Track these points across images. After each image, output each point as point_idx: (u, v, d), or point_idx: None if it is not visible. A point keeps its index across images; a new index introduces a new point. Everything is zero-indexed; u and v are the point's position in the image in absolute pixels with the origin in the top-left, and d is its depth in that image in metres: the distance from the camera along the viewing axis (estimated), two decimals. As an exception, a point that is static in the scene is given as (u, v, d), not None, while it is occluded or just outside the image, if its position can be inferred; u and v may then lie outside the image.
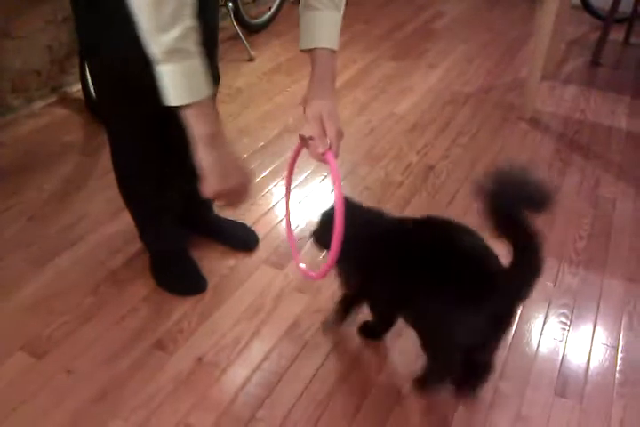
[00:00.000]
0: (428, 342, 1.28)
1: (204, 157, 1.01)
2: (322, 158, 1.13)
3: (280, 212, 1.93)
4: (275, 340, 1.49)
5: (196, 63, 0.96)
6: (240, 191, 1.09)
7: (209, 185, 1.04)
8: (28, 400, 1.31)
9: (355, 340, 1.49)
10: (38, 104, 2.41)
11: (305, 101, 1.16)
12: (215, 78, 1.50)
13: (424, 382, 1.36)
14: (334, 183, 1.06)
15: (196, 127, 0.99)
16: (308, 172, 2.13)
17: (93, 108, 2.33)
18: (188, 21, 0.92)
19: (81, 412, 1.29)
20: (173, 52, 0.92)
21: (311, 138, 1.14)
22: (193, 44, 0.94)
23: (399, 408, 1.34)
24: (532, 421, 1.34)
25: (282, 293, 1.63)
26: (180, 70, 0.95)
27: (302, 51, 1.17)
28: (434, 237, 1.21)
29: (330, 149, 1.12)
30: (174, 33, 0.91)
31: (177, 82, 0.95)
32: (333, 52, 1.16)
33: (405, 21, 3.60)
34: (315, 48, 1.14)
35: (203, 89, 0.97)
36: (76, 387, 1.34)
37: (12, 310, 1.52)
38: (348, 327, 1.51)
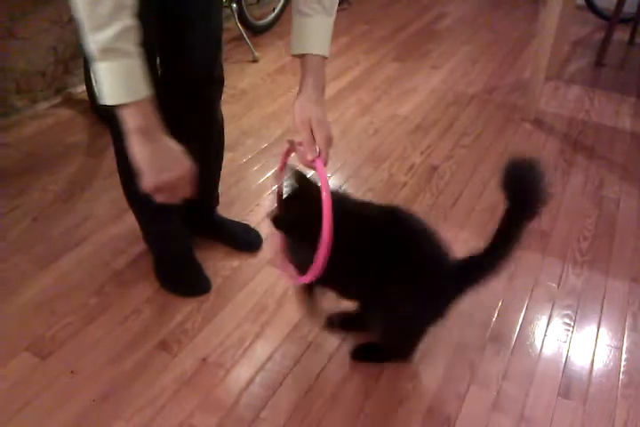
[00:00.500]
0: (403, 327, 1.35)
1: (137, 150, 1.00)
2: (310, 165, 1.13)
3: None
4: (278, 341, 1.49)
5: (134, 63, 0.95)
6: (179, 185, 1.06)
7: (145, 179, 1.03)
8: (32, 401, 1.31)
9: (358, 341, 1.49)
10: (43, 105, 2.42)
11: (294, 108, 1.15)
12: (219, 80, 1.51)
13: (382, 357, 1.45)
14: (322, 190, 1.05)
15: (130, 122, 0.98)
16: (311, 173, 2.13)
17: (98, 110, 2.33)
18: (128, 21, 0.92)
19: (85, 413, 1.30)
20: (109, 51, 0.92)
21: (300, 144, 1.13)
22: (131, 44, 0.94)
23: (402, 409, 1.34)
24: (535, 422, 1.33)
25: (285, 294, 1.63)
26: (117, 69, 0.94)
27: (293, 56, 1.17)
28: (392, 224, 1.24)
29: (319, 156, 1.11)
30: (110, 32, 0.90)
31: (113, 80, 0.95)
32: (324, 58, 1.16)
33: (408, 22, 3.60)
34: (305, 54, 1.14)
35: (140, 89, 0.97)
36: (79, 388, 1.35)
37: (17, 310, 1.53)
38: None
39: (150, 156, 1.01)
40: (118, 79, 0.95)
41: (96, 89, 0.95)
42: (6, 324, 1.49)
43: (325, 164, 1.11)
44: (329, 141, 1.13)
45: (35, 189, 1.96)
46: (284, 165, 1.27)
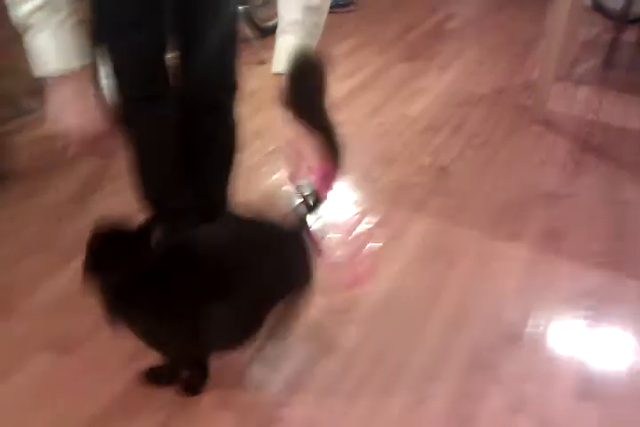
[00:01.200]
0: None
1: (50, 97, 1.11)
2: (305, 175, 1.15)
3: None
4: (295, 340, 1.49)
5: (53, 36, 1.04)
6: (81, 140, 1.14)
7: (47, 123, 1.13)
8: (55, 398, 1.33)
9: (377, 341, 1.50)
10: (54, 107, 2.43)
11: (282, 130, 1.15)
12: (234, 85, 1.52)
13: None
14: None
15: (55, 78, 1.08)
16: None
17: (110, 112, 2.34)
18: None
19: (106, 410, 1.31)
20: (27, 26, 1.04)
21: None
22: (49, 19, 1.03)
23: (422, 408, 1.34)
24: (555, 423, 1.33)
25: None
26: (36, 44, 1.04)
27: (275, 75, 1.15)
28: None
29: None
30: (25, 8, 1.01)
31: (36, 52, 1.05)
32: None
33: (417, 23, 3.60)
34: (284, 73, 1.13)
35: (66, 60, 1.06)
36: (101, 383, 1.36)
37: (37, 309, 1.54)
38: (373, 328, 1.51)
39: (51, 106, 1.11)
40: (42, 51, 1.05)
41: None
42: (27, 322, 1.50)
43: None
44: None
45: (48, 189, 1.97)
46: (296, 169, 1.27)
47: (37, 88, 2.34)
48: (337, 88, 2.74)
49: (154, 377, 1.37)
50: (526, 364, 1.47)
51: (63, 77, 1.07)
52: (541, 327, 1.57)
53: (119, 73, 1.34)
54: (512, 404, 1.37)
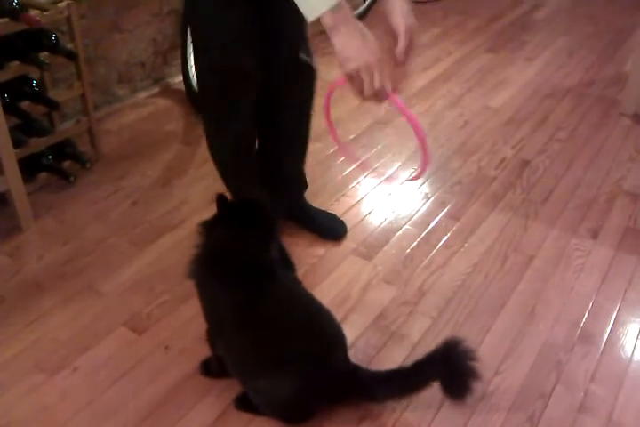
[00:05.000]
0: None
1: (336, 42, 1.12)
2: (376, 98, 1.19)
3: (369, 204, 1.95)
4: (361, 329, 1.50)
5: None
6: (374, 69, 1.12)
7: (342, 67, 1.15)
8: (128, 373, 1.39)
9: (443, 334, 1.49)
10: (142, 94, 2.53)
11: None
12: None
13: None
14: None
15: (328, 23, 1.10)
16: (399, 164, 2.13)
17: (194, 100, 2.42)
18: None
19: (176, 386, 1.36)
20: None
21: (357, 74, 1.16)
22: None
23: (484, 405, 1.32)
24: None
25: (369, 283, 1.65)
26: None
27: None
28: None
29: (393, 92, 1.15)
30: None
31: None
32: None
33: (503, 13, 3.51)
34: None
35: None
36: (172, 363, 1.41)
37: (117, 288, 1.62)
38: (440, 321, 1.51)
39: (340, 47, 1.12)
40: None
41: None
42: (106, 300, 1.58)
43: (409, 53, 1.21)
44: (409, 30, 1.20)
45: (135, 173, 2.06)
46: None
47: (127, 77, 2.46)
48: (418, 78, 2.71)
49: (205, 370, 1.39)
50: (599, 365, 1.42)
51: (335, 14, 1.08)
52: (619, 329, 1.52)
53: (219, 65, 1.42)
54: (579, 404, 1.33)
